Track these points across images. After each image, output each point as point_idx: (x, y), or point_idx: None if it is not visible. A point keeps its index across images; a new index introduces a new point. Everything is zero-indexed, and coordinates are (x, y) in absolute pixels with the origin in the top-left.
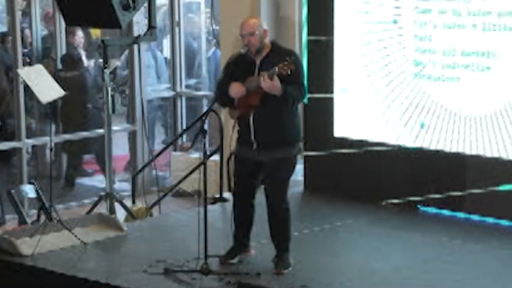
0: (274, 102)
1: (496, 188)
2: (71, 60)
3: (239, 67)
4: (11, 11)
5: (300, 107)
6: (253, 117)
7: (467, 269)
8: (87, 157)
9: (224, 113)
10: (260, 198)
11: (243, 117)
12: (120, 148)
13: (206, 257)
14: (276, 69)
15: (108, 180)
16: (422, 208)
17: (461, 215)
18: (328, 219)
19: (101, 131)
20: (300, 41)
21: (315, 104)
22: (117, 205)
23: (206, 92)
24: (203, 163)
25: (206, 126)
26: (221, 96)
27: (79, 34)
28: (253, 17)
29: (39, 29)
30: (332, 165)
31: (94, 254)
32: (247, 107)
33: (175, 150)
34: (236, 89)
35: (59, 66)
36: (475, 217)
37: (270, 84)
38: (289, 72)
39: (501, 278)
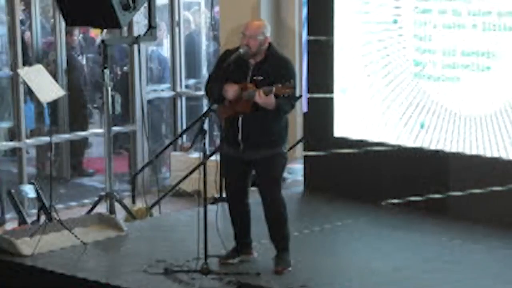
0: (263, 109)
1: (496, 188)
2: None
3: (232, 66)
4: (11, 11)
5: (298, 106)
6: (242, 118)
7: (467, 269)
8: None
9: None
10: (259, 198)
11: (232, 118)
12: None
13: (206, 257)
14: (274, 89)
15: (108, 180)
16: None
17: (460, 215)
18: (328, 219)
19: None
20: (300, 41)
21: (315, 104)
22: (117, 205)
23: None
24: (203, 163)
25: (205, 126)
26: (213, 93)
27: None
28: (260, 20)
29: (39, 29)
30: (332, 165)
31: (94, 254)
32: (237, 112)
33: (175, 150)
34: (231, 92)
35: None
36: (475, 217)
37: (265, 100)
38: (286, 96)
39: (501, 278)
